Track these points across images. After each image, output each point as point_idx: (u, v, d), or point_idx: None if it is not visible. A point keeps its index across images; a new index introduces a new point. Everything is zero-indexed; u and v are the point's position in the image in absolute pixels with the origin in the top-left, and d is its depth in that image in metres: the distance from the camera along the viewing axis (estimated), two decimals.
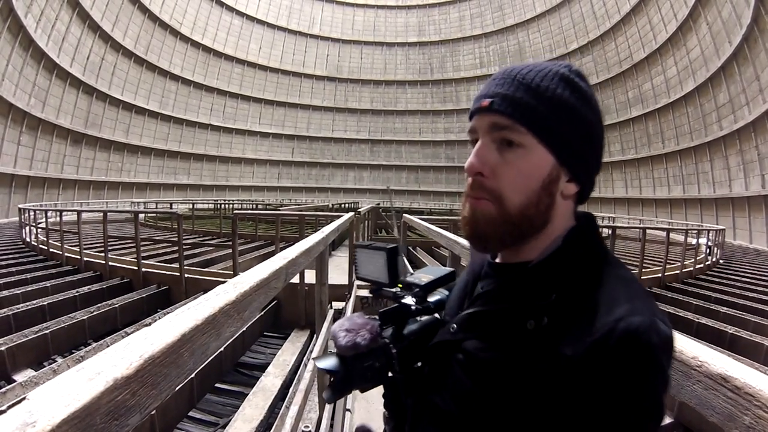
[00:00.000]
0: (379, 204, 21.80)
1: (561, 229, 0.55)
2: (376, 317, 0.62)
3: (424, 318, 0.65)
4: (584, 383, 0.43)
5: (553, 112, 0.51)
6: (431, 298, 0.67)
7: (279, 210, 12.24)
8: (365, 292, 5.05)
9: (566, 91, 0.52)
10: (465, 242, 0.64)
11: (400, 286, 0.68)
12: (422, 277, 0.68)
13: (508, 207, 0.52)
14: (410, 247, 10.34)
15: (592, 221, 0.57)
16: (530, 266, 0.53)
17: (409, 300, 0.64)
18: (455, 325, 0.58)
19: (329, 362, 0.56)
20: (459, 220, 0.60)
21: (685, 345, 0.89)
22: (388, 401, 0.66)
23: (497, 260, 0.61)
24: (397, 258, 0.68)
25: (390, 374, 0.61)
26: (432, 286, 0.67)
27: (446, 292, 0.69)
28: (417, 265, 8.56)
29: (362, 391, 0.58)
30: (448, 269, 0.72)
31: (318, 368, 0.57)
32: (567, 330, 0.46)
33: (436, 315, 0.67)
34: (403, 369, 0.61)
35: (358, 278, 0.72)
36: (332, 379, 0.56)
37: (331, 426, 2.44)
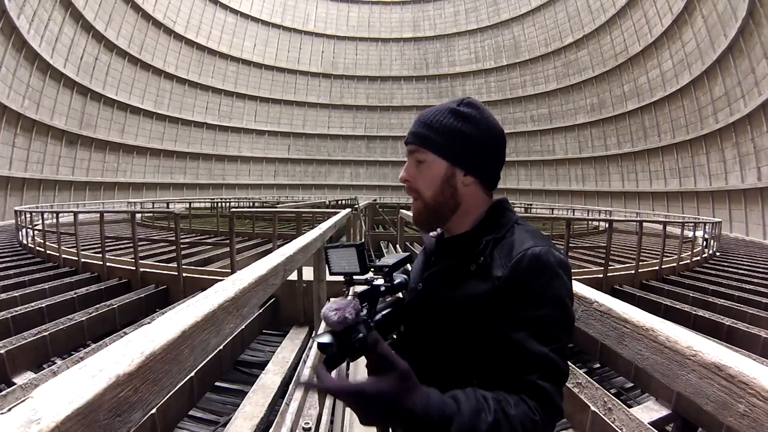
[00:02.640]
0: (376, 200, 21.78)
1: (475, 207, 0.82)
2: (356, 298, 0.75)
3: (389, 298, 0.86)
4: (512, 289, 0.69)
5: (440, 135, 0.79)
6: (395, 281, 0.87)
7: (276, 207, 12.23)
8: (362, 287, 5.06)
9: (451, 119, 0.79)
10: None
11: (372, 270, 0.86)
12: (388, 260, 0.87)
13: (426, 199, 0.81)
14: (408, 243, 10.35)
15: (505, 201, 0.84)
16: (469, 232, 0.80)
17: (378, 282, 0.84)
18: (421, 284, 0.83)
19: (325, 338, 0.66)
20: None
21: (679, 335, 0.91)
22: None
23: (443, 238, 0.88)
24: (364, 251, 0.84)
25: None
26: (397, 266, 0.87)
27: (405, 276, 0.90)
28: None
29: (351, 360, 0.70)
30: (406, 253, 0.94)
31: (317, 343, 0.66)
32: (496, 261, 0.73)
33: (399, 295, 0.89)
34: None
35: (332, 274, 0.87)
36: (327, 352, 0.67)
37: (332, 422, 2.45)
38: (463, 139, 0.78)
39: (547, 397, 0.63)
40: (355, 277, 0.83)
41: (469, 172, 0.80)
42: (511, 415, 0.59)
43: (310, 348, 3.50)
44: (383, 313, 0.81)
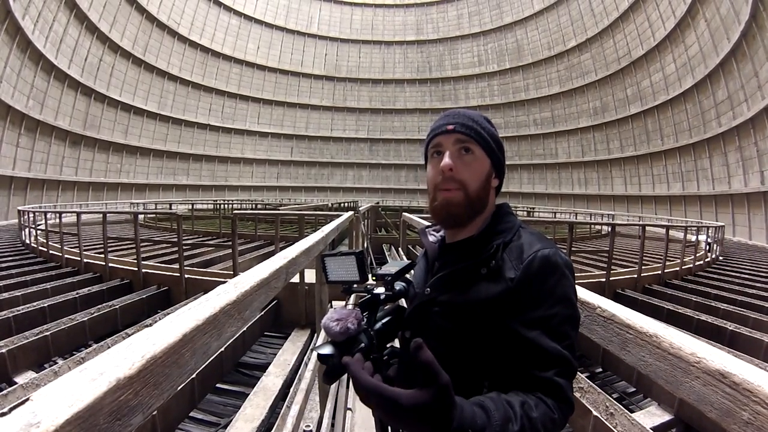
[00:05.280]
0: (378, 203, 21.79)
1: (489, 211, 0.85)
2: (357, 307, 0.74)
3: (389, 306, 0.84)
4: (525, 289, 0.72)
5: (487, 134, 0.83)
6: (395, 288, 0.85)
7: (278, 210, 12.24)
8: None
9: (489, 125, 0.86)
10: None
11: (374, 278, 0.84)
12: (390, 268, 0.85)
13: (470, 191, 0.80)
14: (410, 246, 10.34)
15: (507, 205, 0.89)
16: (476, 236, 0.82)
17: (378, 290, 0.81)
18: (428, 289, 0.83)
19: (326, 349, 0.65)
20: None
21: (683, 341, 0.90)
22: None
23: (446, 242, 0.90)
24: (364, 259, 0.82)
25: (372, 355, 0.70)
26: (399, 274, 0.85)
27: (404, 284, 0.88)
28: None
29: None
30: (407, 261, 0.92)
31: (318, 354, 0.64)
32: (507, 264, 0.75)
33: (398, 303, 0.88)
34: (381, 347, 0.75)
35: (329, 283, 0.85)
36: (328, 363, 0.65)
37: (332, 425, 2.44)
38: (498, 144, 0.86)
39: (562, 393, 0.66)
40: (354, 286, 0.82)
41: (497, 175, 0.87)
42: (533, 417, 0.60)
43: (312, 350, 3.49)
44: (383, 321, 0.79)
